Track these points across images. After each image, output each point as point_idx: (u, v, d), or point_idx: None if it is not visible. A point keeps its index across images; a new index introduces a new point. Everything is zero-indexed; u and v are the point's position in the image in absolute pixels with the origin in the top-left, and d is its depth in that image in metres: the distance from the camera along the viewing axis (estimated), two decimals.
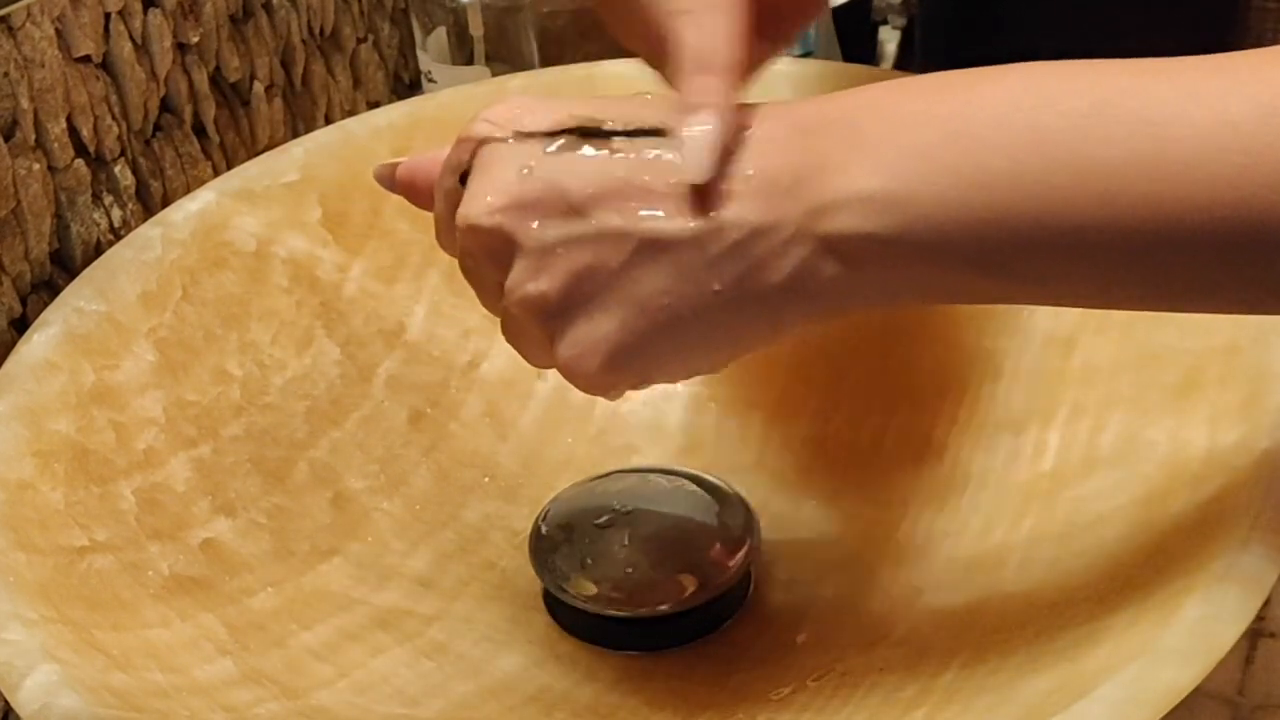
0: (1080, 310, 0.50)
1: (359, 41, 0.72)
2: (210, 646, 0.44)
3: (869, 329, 0.56)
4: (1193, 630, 0.34)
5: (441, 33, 0.69)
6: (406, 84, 0.77)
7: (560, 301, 0.35)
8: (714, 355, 0.37)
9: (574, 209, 0.35)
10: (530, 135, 0.36)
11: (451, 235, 0.38)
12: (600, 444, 0.57)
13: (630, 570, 0.49)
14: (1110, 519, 0.44)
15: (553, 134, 0.36)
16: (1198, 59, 0.31)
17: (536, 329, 0.36)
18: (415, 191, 0.41)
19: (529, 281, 0.36)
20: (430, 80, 0.70)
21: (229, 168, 0.62)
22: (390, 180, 0.42)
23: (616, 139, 0.35)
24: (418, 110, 0.61)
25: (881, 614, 0.47)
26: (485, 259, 0.37)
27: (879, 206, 0.33)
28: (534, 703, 0.46)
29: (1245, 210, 0.30)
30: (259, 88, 0.65)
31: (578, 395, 0.58)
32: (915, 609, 0.47)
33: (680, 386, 0.58)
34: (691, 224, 0.34)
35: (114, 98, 0.56)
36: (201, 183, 0.60)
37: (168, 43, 0.58)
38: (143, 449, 0.49)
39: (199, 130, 0.61)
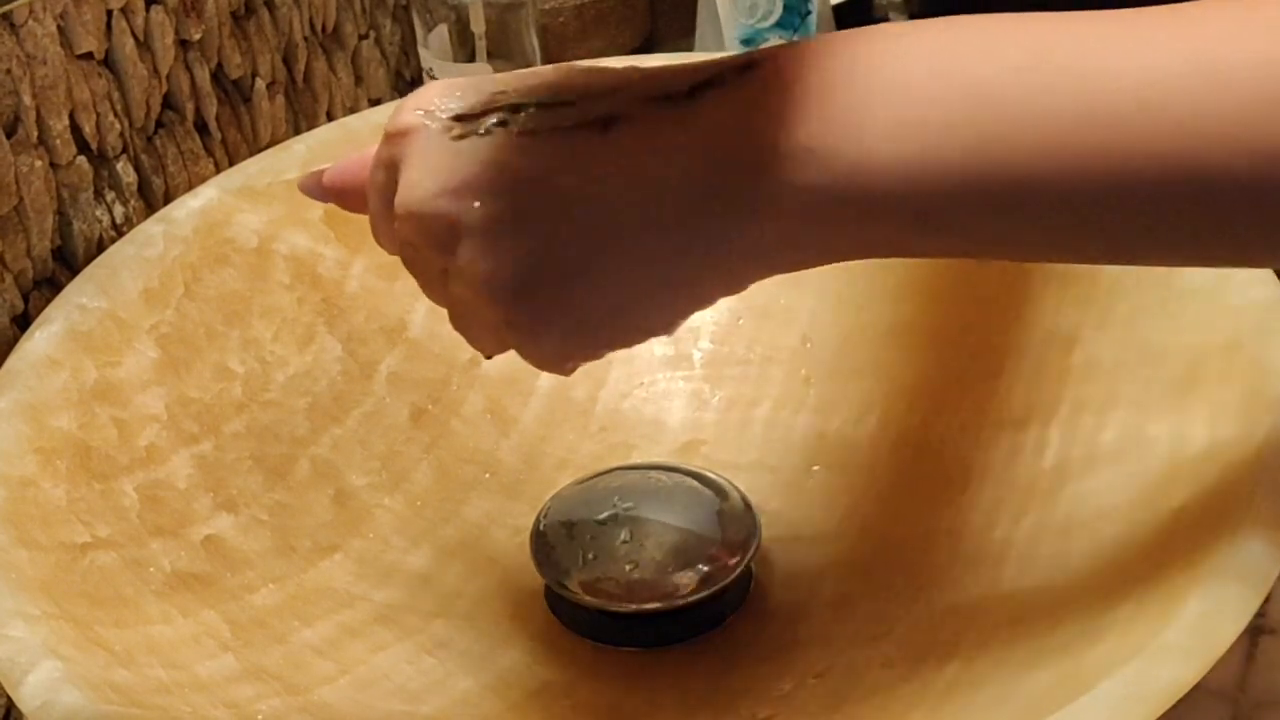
0: (1081, 306, 0.50)
1: (361, 39, 0.72)
2: (212, 643, 0.44)
3: (869, 327, 0.56)
4: (1193, 627, 0.35)
5: (443, 30, 0.69)
6: (408, 81, 0.77)
7: (511, 279, 0.35)
8: (666, 316, 0.36)
9: (514, 184, 0.34)
10: (461, 118, 0.35)
11: (388, 231, 0.37)
12: (601, 441, 0.57)
13: (631, 567, 0.49)
14: (1111, 515, 0.44)
15: (483, 114, 0.35)
16: (1133, 12, 0.31)
17: (488, 310, 0.36)
18: (346, 195, 0.41)
19: (478, 262, 0.35)
20: (432, 78, 0.70)
21: (231, 165, 0.62)
22: (317, 189, 0.41)
23: (550, 111, 0.35)
24: None
25: (882, 610, 0.47)
26: (428, 246, 0.36)
27: (812, 160, 0.32)
28: (535, 699, 0.46)
29: (1177, 162, 0.30)
30: (261, 85, 0.65)
31: (579, 392, 0.58)
32: (916, 605, 0.47)
33: (681, 384, 0.59)
34: (635, 184, 0.34)
35: (116, 94, 0.56)
36: (203, 180, 0.60)
37: (170, 40, 0.59)
38: (144, 446, 0.49)
39: (201, 127, 0.61)
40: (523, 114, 0.35)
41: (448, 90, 0.36)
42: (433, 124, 0.36)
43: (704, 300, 0.36)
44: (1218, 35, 0.30)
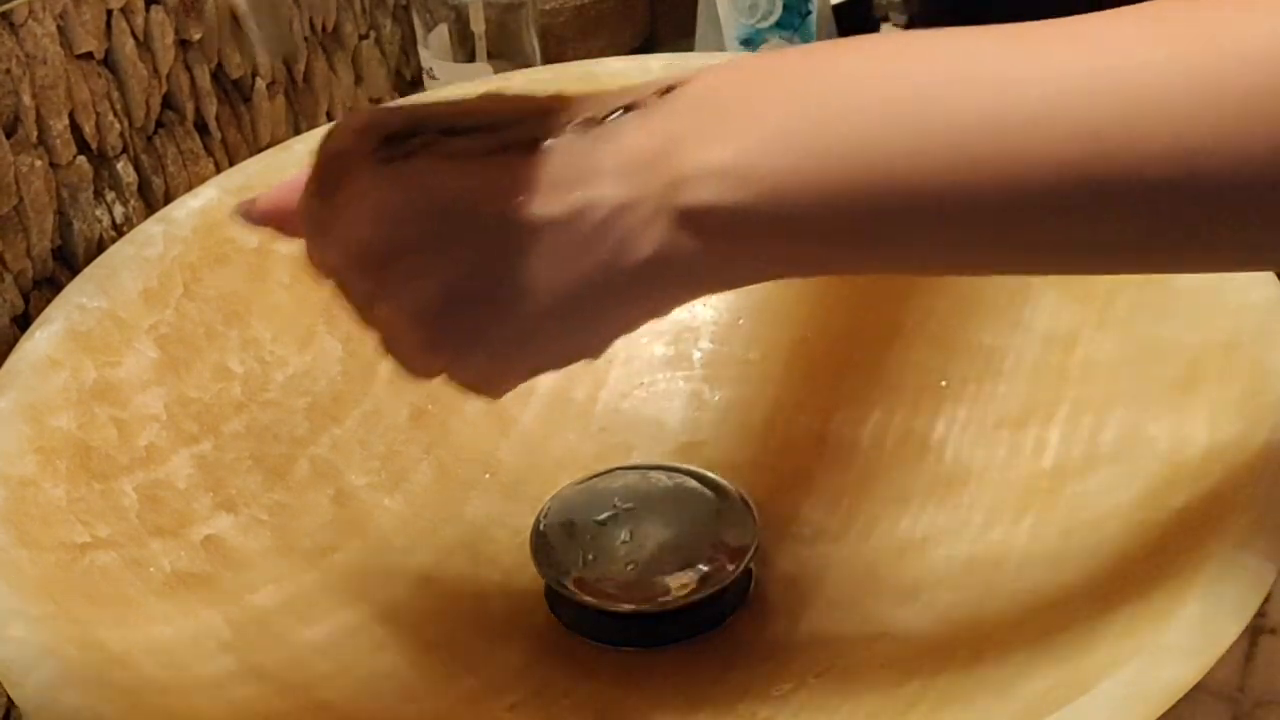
0: (1080, 306, 0.50)
1: (361, 38, 0.72)
2: (212, 643, 0.44)
3: (869, 327, 0.56)
4: (1193, 627, 0.35)
5: (443, 29, 0.69)
6: (408, 81, 0.77)
7: (438, 303, 0.35)
8: (594, 337, 0.36)
9: (440, 208, 0.34)
10: (389, 142, 0.35)
11: (322, 257, 0.37)
12: (601, 441, 0.57)
13: (631, 566, 0.49)
14: (1110, 516, 0.44)
15: (411, 138, 0.35)
16: (1049, 24, 0.32)
17: (418, 334, 0.36)
18: (283, 220, 0.40)
19: (406, 287, 0.35)
20: (432, 77, 0.70)
21: (231, 164, 0.62)
22: (253, 214, 0.41)
23: (475, 135, 0.35)
24: None
25: (882, 611, 0.47)
26: (359, 272, 0.36)
27: (732, 179, 0.33)
28: (535, 698, 0.46)
29: (1083, 171, 0.30)
30: (261, 85, 0.65)
31: (580, 392, 0.58)
32: (916, 606, 0.47)
33: (681, 384, 0.58)
34: (559, 207, 0.34)
35: (116, 94, 0.56)
36: (203, 179, 0.60)
37: (170, 39, 0.59)
38: (144, 445, 0.49)
39: (201, 127, 0.61)
40: (449, 138, 0.35)
41: (376, 114, 0.36)
42: (362, 148, 0.36)
43: (630, 323, 0.36)
44: (1125, 46, 0.30)
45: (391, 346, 0.38)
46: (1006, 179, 0.31)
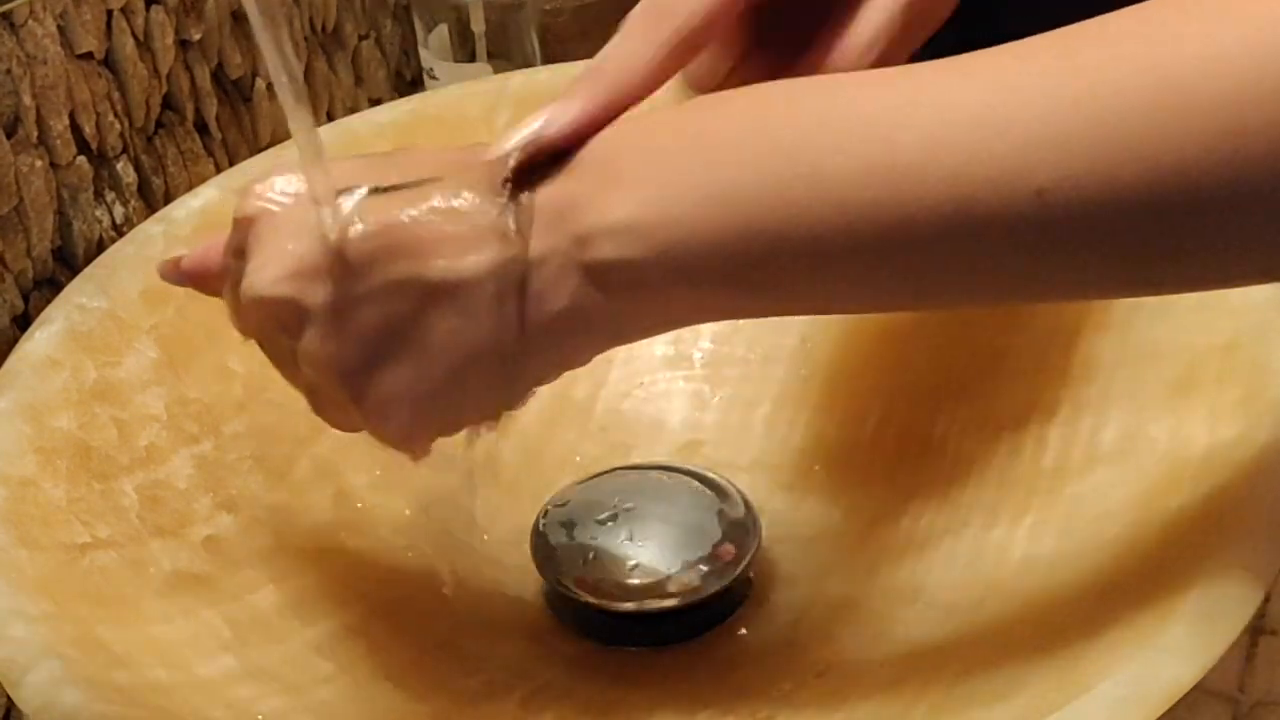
0: (1081, 306, 0.50)
1: (361, 39, 0.72)
2: (212, 643, 0.44)
3: (869, 327, 0.56)
4: (1193, 627, 0.35)
5: (443, 30, 0.69)
6: (408, 81, 0.77)
7: (356, 360, 0.35)
8: (510, 391, 0.37)
9: (357, 265, 0.35)
10: (301, 203, 0.36)
11: (244, 317, 0.38)
12: (602, 441, 0.57)
13: (631, 566, 0.49)
14: (1110, 516, 0.44)
15: (322, 199, 0.36)
16: (938, 63, 0.32)
17: (337, 391, 0.36)
18: (205, 280, 0.41)
19: (323, 344, 0.35)
20: (432, 77, 0.70)
21: (231, 164, 0.62)
22: (176, 274, 0.42)
23: (390, 193, 0.35)
24: (420, 107, 0.61)
25: (883, 610, 0.47)
26: (278, 330, 0.36)
27: (631, 233, 0.34)
28: (536, 698, 0.46)
29: (967, 209, 0.30)
30: (261, 85, 0.65)
31: (580, 392, 0.58)
32: (916, 605, 0.47)
33: (681, 384, 0.58)
34: (471, 264, 0.35)
35: (116, 94, 0.56)
36: (204, 179, 0.60)
37: (170, 39, 0.59)
38: (144, 446, 0.49)
39: (201, 127, 0.61)
40: (358, 198, 0.35)
41: (289, 177, 0.37)
42: (275, 210, 0.36)
43: (547, 374, 0.37)
44: (1013, 81, 0.30)
45: (316, 404, 0.38)
46: (890, 222, 0.31)
